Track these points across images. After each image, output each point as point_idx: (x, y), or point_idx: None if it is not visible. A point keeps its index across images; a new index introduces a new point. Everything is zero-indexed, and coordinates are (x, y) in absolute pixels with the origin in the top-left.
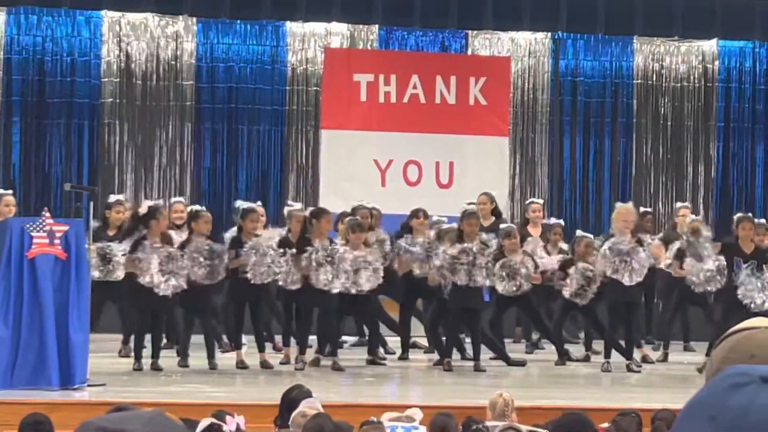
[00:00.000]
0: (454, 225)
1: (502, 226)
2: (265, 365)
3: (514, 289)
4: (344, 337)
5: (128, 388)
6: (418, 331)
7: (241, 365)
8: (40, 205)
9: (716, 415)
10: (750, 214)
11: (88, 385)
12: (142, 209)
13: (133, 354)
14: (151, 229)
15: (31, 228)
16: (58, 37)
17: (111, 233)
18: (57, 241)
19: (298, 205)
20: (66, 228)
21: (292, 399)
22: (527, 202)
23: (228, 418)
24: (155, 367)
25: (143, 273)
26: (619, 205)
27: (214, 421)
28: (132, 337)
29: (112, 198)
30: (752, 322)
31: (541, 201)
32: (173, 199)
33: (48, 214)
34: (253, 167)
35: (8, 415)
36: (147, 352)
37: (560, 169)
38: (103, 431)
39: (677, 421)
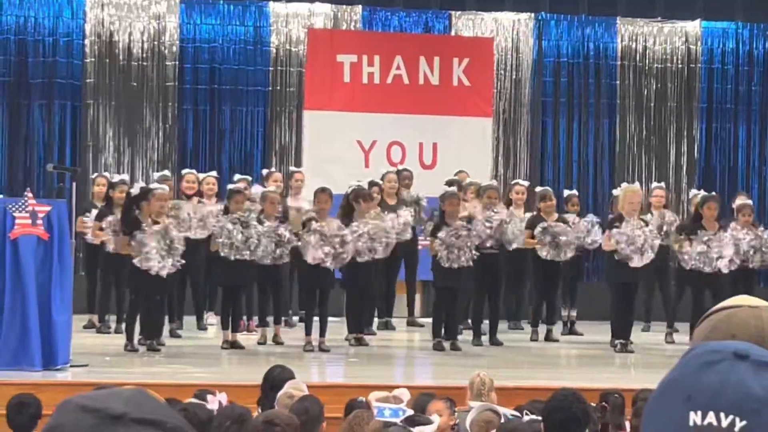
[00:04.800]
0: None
1: (537, 188)
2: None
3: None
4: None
5: (111, 369)
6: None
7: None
8: (23, 185)
9: (692, 395)
10: (714, 194)
11: (71, 366)
12: (134, 190)
13: (125, 334)
14: (143, 210)
15: (14, 208)
16: (40, 17)
17: (117, 212)
18: (39, 222)
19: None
20: (48, 208)
21: (273, 379)
22: (512, 183)
23: (210, 397)
24: (152, 348)
25: (139, 255)
26: (625, 186)
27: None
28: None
29: (117, 178)
30: (734, 301)
31: (526, 183)
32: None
33: (30, 195)
34: (236, 148)
35: None
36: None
37: (543, 150)
38: (84, 409)
39: (651, 403)
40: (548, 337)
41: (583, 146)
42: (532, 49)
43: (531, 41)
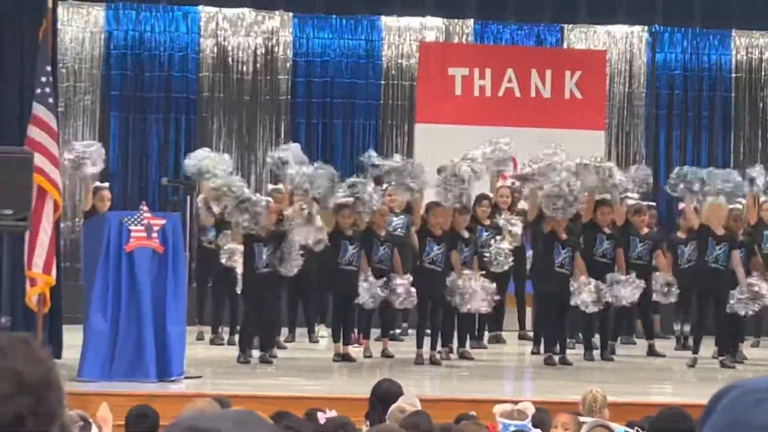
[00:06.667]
0: None
1: (630, 202)
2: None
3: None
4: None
5: (224, 381)
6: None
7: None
8: (138, 199)
9: None
10: None
11: (185, 378)
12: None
13: (238, 346)
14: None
15: (129, 222)
16: (156, 32)
17: None
18: (155, 235)
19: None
20: (163, 222)
21: (382, 392)
22: (622, 195)
23: (319, 414)
24: (264, 360)
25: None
26: (710, 200)
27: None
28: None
29: None
30: None
31: (635, 195)
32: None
33: (146, 208)
34: (347, 161)
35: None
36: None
37: (657, 163)
38: (194, 430)
39: None
40: (651, 352)
41: (697, 159)
42: (646, 62)
43: (644, 54)
